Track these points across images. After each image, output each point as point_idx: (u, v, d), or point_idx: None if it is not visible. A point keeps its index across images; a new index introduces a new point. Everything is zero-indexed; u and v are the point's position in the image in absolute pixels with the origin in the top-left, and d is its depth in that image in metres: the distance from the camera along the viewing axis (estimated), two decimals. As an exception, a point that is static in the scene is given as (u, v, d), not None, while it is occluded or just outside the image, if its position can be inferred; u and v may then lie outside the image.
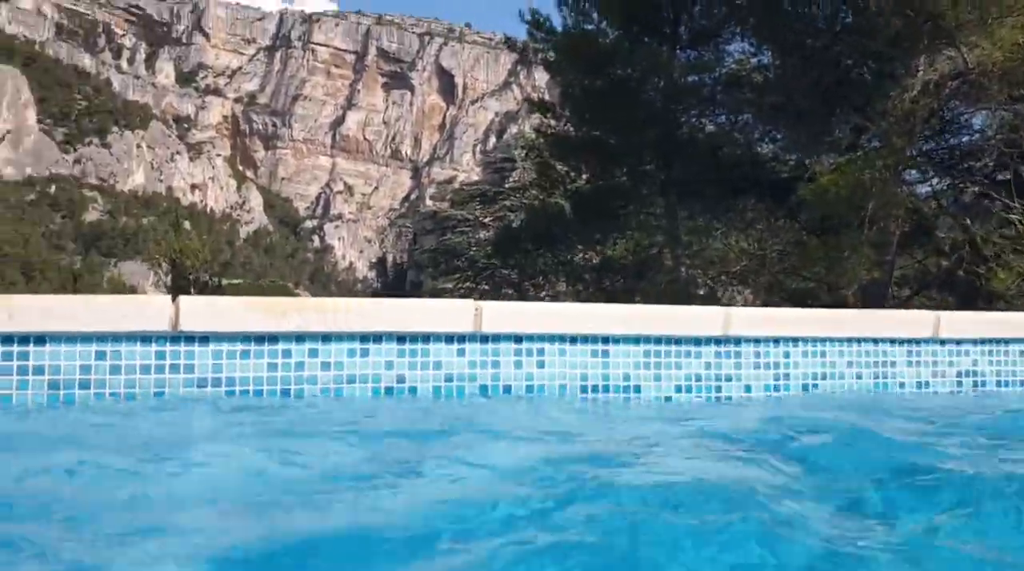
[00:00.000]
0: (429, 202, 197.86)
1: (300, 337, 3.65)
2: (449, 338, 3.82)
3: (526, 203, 31.03)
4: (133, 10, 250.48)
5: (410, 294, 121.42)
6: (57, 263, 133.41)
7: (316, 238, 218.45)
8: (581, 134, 21.48)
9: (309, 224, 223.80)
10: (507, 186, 40.45)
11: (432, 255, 47.38)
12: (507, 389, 3.89)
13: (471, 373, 3.84)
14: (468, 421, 3.56)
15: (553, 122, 22.72)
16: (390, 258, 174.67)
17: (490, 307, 3.88)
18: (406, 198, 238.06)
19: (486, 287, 37.20)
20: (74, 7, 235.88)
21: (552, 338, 3.94)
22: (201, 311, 3.58)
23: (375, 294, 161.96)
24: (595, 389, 4.05)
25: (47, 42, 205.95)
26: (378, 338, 3.73)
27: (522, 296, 34.85)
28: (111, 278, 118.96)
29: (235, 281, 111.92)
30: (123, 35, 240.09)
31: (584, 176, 23.28)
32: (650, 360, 4.07)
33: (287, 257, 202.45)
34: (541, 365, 3.96)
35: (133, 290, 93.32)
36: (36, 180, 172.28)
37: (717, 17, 19.31)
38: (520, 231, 26.03)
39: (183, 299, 3.52)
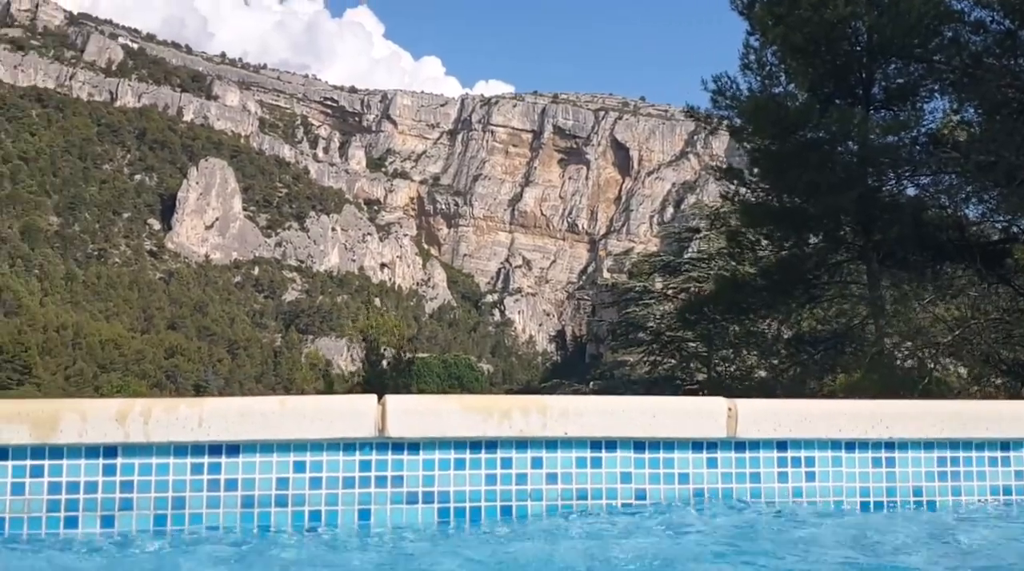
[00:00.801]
0: (607, 274, 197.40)
1: (522, 443, 3.17)
2: (697, 445, 3.24)
3: (712, 273, 30.00)
4: (328, 103, 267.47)
5: (589, 366, 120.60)
6: (260, 340, 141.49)
7: (497, 312, 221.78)
8: (772, 199, 20.52)
9: (490, 298, 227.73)
10: (690, 256, 39.40)
11: (612, 327, 46.54)
12: (769, 505, 3.22)
13: (725, 488, 3.23)
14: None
15: (742, 189, 21.85)
16: (569, 331, 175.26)
17: (746, 407, 3.19)
18: (583, 271, 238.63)
19: (672, 360, 36.06)
20: (275, 103, 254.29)
21: (823, 444, 3.22)
22: (410, 413, 3.15)
23: (554, 366, 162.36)
24: (878, 506, 3.31)
25: (251, 135, 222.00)
26: (612, 445, 3.23)
27: (709, 369, 33.53)
28: (309, 353, 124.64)
29: (423, 355, 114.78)
30: (319, 126, 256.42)
31: (775, 243, 22.24)
32: (946, 469, 3.25)
33: (470, 331, 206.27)
34: (811, 477, 3.28)
35: (329, 364, 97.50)
36: (241, 263, 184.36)
37: (913, 75, 18.21)
38: (708, 301, 25.07)
39: (389, 400, 3.11)
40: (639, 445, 3.22)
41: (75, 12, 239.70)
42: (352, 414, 3.08)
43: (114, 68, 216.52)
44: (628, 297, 38.62)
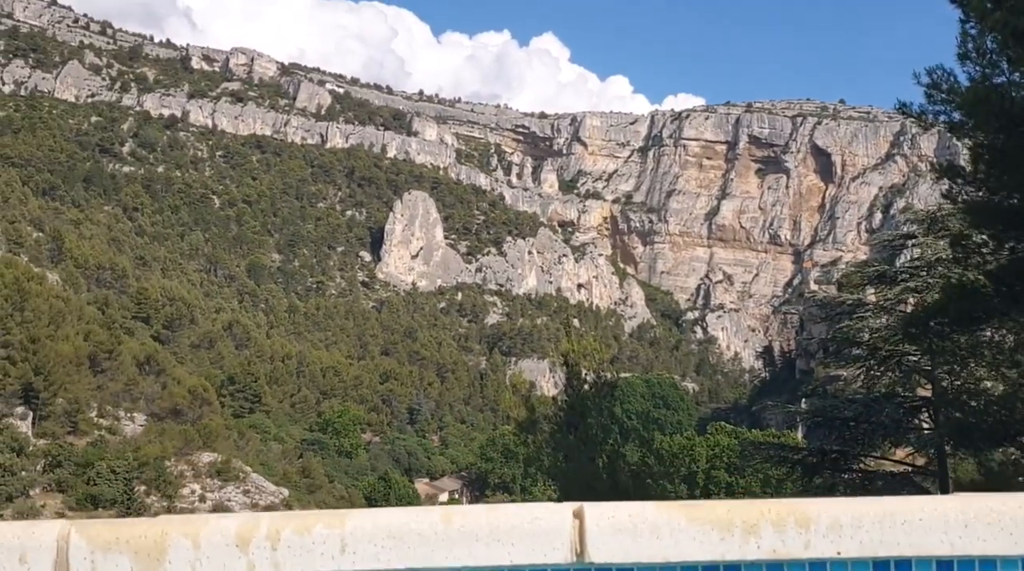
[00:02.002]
0: (814, 286, 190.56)
1: (775, 567, 2.46)
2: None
3: (933, 281, 28.74)
4: (519, 130, 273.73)
5: (799, 382, 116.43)
6: (466, 363, 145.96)
7: (699, 329, 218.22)
8: (999, 199, 19.61)
9: (691, 316, 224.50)
10: (906, 264, 37.66)
11: (823, 342, 44.99)
12: None
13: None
14: None
15: (967, 188, 20.90)
16: (776, 346, 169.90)
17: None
18: (788, 284, 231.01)
19: (891, 375, 34.60)
20: (470, 134, 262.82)
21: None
22: (619, 529, 2.45)
23: (762, 383, 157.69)
24: None
25: (449, 166, 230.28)
26: (904, 567, 2.54)
27: (934, 385, 31.92)
28: (513, 376, 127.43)
29: (625, 375, 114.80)
30: (512, 153, 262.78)
31: (1005, 246, 21.15)
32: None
33: (671, 350, 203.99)
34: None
35: (532, 386, 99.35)
36: (445, 289, 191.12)
37: None
38: (933, 313, 24.12)
39: (589, 510, 2.46)
40: (944, 566, 2.45)
41: (286, 63, 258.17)
42: (539, 533, 2.42)
43: (323, 112, 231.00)
44: (840, 310, 37.51)
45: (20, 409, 53.13)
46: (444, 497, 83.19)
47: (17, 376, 53.08)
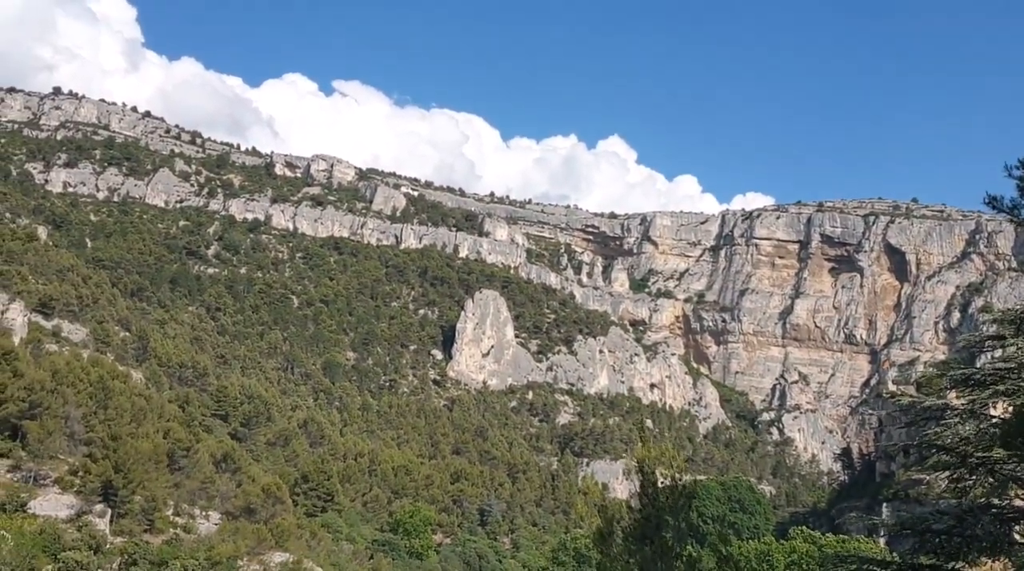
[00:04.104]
0: (892, 386, 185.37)
1: None
2: None
3: (1024, 385, 27.88)
4: (589, 230, 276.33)
5: (879, 485, 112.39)
6: (538, 464, 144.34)
7: (775, 430, 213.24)
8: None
9: (766, 416, 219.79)
10: (993, 365, 36.68)
11: (905, 446, 43.82)
12: None
13: None
14: None
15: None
16: (855, 448, 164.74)
17: None
18: (865, 384, 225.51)
19: (983, 483, 33.33)
20: (539, 234, 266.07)
21: None
22: None
23: (841, 486, 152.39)
24: None
25: (519, 266, 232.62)
26: None
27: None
28: (585, 479, 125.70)
29: (700, 478, 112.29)
30: (582, 253, 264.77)
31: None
32: None
33: (747, 451, 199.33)
34: None
35: (605, 488, 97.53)
36: (516, 388, 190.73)
37: None
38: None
39: None
40: None
41: (363, 168, 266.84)
42: None
43: (398, 214, 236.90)
44: (925, 415, 36.56)
45: (99, 506, 54.18)
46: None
47: (98, 473, 54.32)
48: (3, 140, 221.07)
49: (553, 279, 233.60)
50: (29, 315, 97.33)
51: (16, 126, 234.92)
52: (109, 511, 54.28)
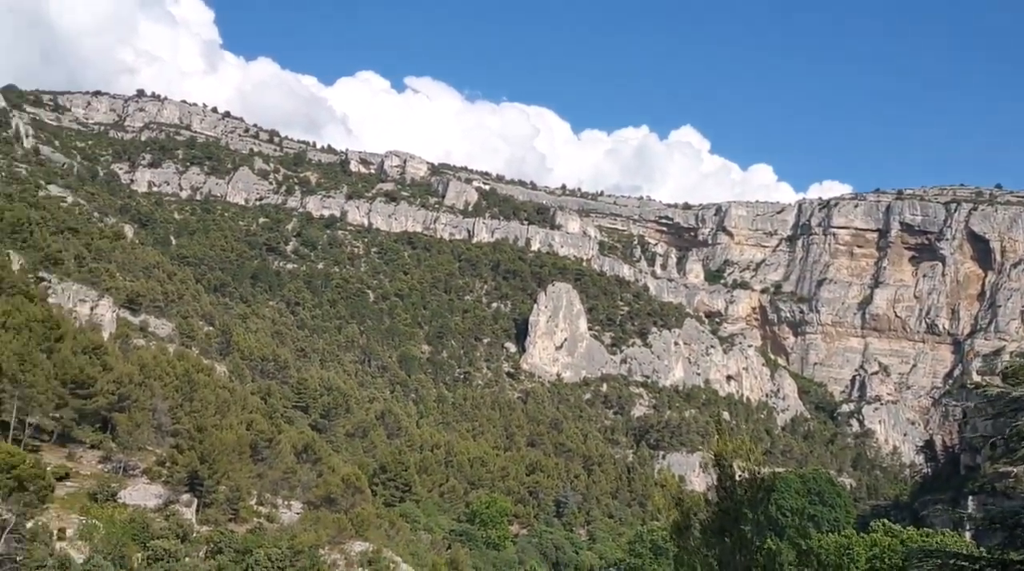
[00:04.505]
0: (976, 377, 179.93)
1: None
2: None
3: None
4: (663, 221, 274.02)
5: (964, 478, 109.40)
6: (613, 456, 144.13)
7: (855, 422, 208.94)
8: None
9: (846, 408, 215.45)
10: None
11: (992, 438, 42.77)
12: None
13: None
14: None
15: None
16: (938, 440, 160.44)
17: None
18: (948, 374, 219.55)
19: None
20: (612, 226, 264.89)
21: None
22: None
23: (924, 479, 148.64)
24: None
25: (592, 258, 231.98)
26: None
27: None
28: (661, 472, 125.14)
29: (779, 470, 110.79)
30: (656, 244, 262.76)
31: None
32: None
33: (827, 443, 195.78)
34: None
35: (681, 480, 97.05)
36: (590, 381, 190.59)
37: None
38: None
39: None
40: None
41: (436, 163, 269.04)
42: None
43: (470, 209, 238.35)
44: (1014, 406, 35.71)
45: (186, 496, 55.96)
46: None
47: (184, 464, 56.07)
48: (91, 142, 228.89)
49: (626, 271, 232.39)
50: (117, 311, 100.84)
51: (102, 128, 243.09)
52: (195, 500, 56.04)
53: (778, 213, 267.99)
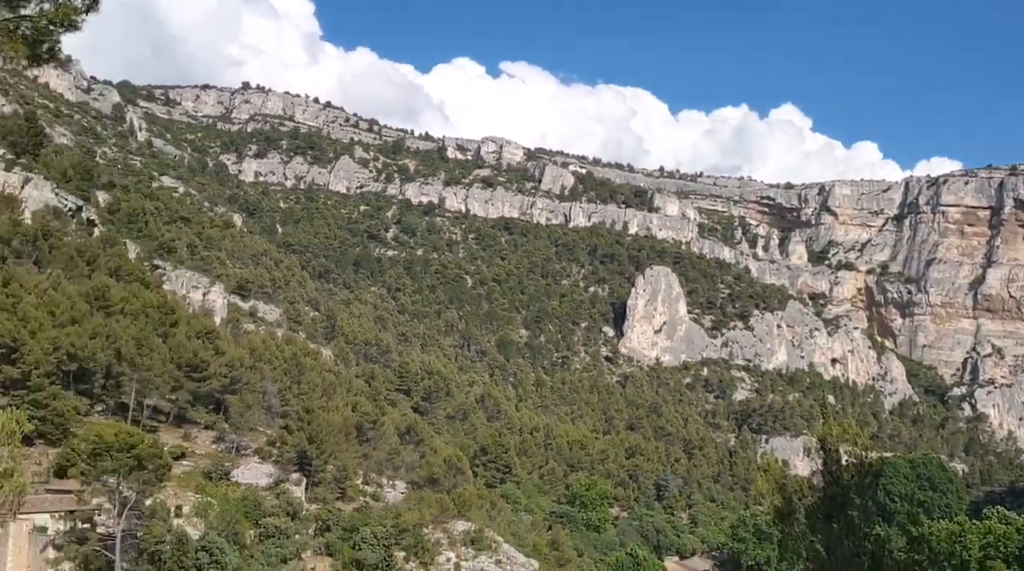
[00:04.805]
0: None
1: None
2: None
3: None
4: (764, 202, 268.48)
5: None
6: (714, 440, 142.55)
7: (967, 406, 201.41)
8: None
9: (957, 391, 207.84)
10: None
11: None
12: None
13: None
14: None
15: None
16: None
17: None
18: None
19: None
20: (711, 207, 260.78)
21: None
22: None
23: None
24: None
25: (691, 241, 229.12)
26: None
27: None
28: (764, 456, 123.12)
29: (887, 455, 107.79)
30: (757, 225, 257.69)
31: None
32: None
33: (936, 428, 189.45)
34: None
35: (785, 465, 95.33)
36: (690, 364, 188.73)
37: None
38: None
39: None
40: None
41: (532, 148, 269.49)
42: None
43: (566, 193, 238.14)
44: None
45: (295, 475, 57.78)
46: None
47: (293, 444, 57.92)
48: (200, 134, 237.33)
49: (727, 253, 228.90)
50: (228, 297, 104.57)
51: (211, 120, 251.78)
52: (304, 479, 57.82)
53: (884, 191, 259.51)
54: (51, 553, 44.94)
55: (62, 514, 46.79)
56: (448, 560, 54.51)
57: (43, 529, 46.18)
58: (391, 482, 66.34)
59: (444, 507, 59.43)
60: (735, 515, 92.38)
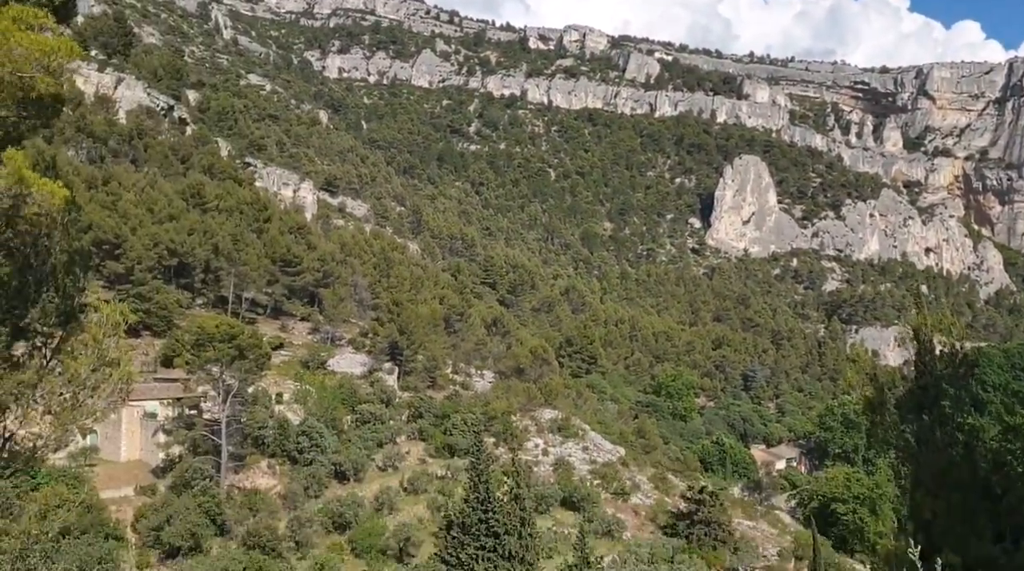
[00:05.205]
0: None
1: None
2: None
3: None
4: (858, 87, 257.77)
5: None
6: (803, 331, 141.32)
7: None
8: None
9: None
10: None
11: None
12: None
13: None
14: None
15: None
16: None
17: None
18: None
19: None
20: (803, 93, 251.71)
21: None
22: None
23: None
24: None
25: (782, 129, 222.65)
26: None
27: None
28: (854, 347, 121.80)
29: (981, 345, 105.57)
30: (850, 111, 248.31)
31: None
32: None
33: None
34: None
35: (875, 355, 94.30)
36: (779, 255, 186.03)
37: None
38: None
39: None
40: None
41: (615, 36, 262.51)
42: None
43: (652, 81, 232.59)
44: None
45: (387, 365, 59.73)
46: (781, 464, 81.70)
47: (384, 335, 59.66)
48: (283, 30, 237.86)
49: (818, 141, 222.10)
50: (317, 193, 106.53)
51: (293, 16, 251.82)
52: (396, 369, 59.75)
53: (986, 74, 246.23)
54: (161, 437, 47.88)
55: (170, 401, 49.63)
56: (536, 446, 56.11)
57: (153, 415, 49.15)
58: (479, 372, 68.01)
59: (531, 396, 60.85)
60: (823, 405, 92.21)
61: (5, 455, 11.00)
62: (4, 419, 10.58)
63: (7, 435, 10.82)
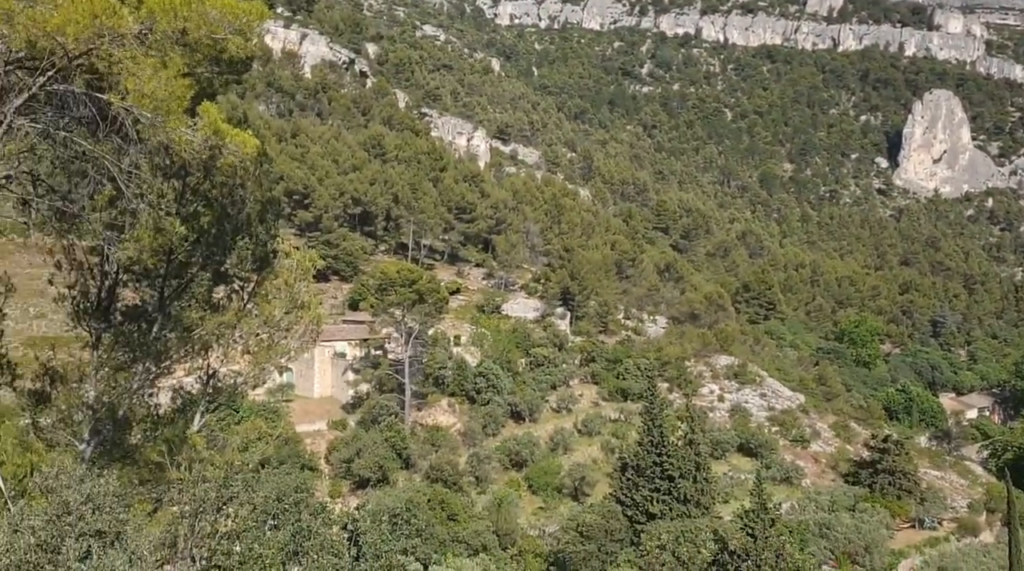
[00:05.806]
0: None
1: None
2: None
3: None
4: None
5: None
6: (997, 275, 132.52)
7: None
8: None
9: None
10: None
11: None
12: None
13: None
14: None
15: None
16: None
17: None
18: None
19: None
20: (1002, 22, 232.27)
21: None
22: None
23: None
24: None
25: (977, 61, 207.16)
26: None
27: None
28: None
29: None
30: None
31: None
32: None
33: None
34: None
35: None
36: (973, 195, 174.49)
37: None
38: None
39: None
40: None
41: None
42: None
43: (835, 15, 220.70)
44: None
45: (559, 310, 60.55)
46: (972, 413, 77.63)
47: (556, 281, 60.44)
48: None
49: (1018, 72, 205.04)
50: (490, 141, 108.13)
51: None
52: (568, 314, 60.52)
53: None
54: (350, 375, 51.03)
55: (357, 342, 52.64)
56: (711, 392, 55.71)
57: (342, 354, 52.30)
58: (651, 317, 67.85)
59: (706, 342, 60.28)
60: (1020, 352, 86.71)
61: (210, 391, 12.06)
62: (208, 358, 11.65)
63: (211, 372, 11.92)
